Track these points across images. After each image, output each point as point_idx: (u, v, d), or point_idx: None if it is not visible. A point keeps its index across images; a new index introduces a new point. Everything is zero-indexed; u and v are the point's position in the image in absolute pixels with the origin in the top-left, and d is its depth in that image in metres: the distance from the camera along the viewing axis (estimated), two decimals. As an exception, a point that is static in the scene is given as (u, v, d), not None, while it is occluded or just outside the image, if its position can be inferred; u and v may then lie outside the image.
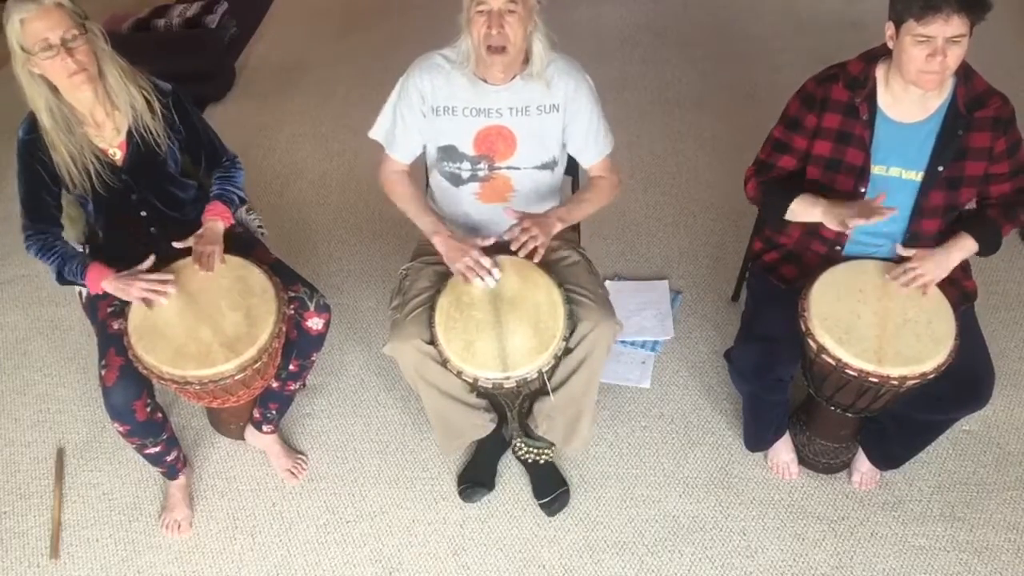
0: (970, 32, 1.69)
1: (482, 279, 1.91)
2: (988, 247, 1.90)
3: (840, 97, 1.89)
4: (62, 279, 1.95)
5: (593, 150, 2.06)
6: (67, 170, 1.89)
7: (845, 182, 1.92)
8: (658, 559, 2.14)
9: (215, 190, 2.07)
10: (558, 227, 1.96)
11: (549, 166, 2.06)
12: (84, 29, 1.78)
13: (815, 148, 1.94)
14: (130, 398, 1.92)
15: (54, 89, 1.82)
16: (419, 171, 2.19)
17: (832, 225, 1.86)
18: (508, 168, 2.03)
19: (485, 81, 1.95)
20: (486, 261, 1.91)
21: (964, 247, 1.89)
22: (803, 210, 1.92)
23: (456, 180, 2.06)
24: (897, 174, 1.90)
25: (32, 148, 1.89)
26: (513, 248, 1.90)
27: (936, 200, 1.89)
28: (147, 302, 1.88)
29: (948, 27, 1.66)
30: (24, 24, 1.73)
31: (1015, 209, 1.93)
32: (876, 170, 1.90)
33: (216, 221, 2.01)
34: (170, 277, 1.90)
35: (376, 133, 2.10)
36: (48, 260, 1.93)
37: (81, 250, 2.08)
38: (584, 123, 2.01)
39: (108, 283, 1.89)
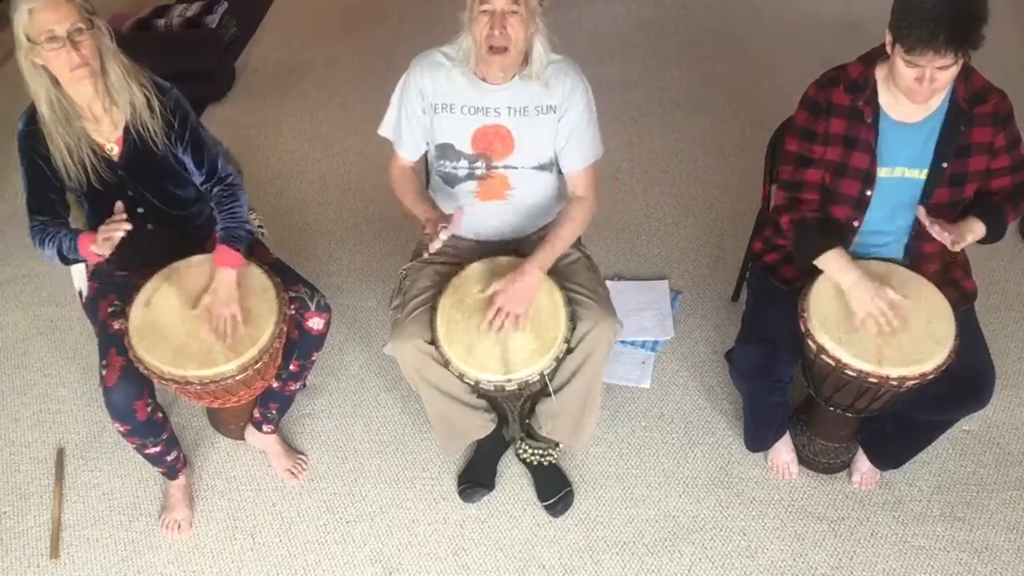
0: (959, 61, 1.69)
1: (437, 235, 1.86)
2: (994, 232, 1.89)
3: (842, 102, 1.89)
4: (64, 259, 1.94)
5: (575, 154, 2.01)
6: (63, 162, 1.88)
7: (851, 186, 1.91)
8: (658, 559, 2.14)
9: (220, 229, 2.01)
10: (540, 278, 1.93)
11: (547, 167, 2.05)
12: (91, 24, 1.78)
13: (827, 154, 1.92)
14: (131, 398, 1.92)
15: (55, 81, 1.82)
16: (422, 166, 2.20)
17: (852, 304, 1.83)
18: (506, 167, 2.03)
19: (484, 80, 1.95)
20: (443, 232, 1.85)
21: (974, 229, 1.88)
22: (834, 269, 1.88)
23: (452, 180, 2.05)
24: (901, 174, 1.90)
25: (31, 141, 1.89)
26: (490, 334, 1.87)
27: (942, 197, 1.88)
28: (110, 241, 1.80)
29: (937, 59, 1.66)
30: (32, 14, 1.73)
31: (1018, 199, 1.94)
32: (882, 172, 1.89)
33: (226, 271, 1.93)
34: (124, 217, 1.79)
35: (384, 130, 2.10)
36: (49, 247, 1.93)
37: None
38: (571, 122, 1.98)
39: (92, 248, 1.85)
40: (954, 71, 1.71)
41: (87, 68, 1.78)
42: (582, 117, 1.98)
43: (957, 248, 1.83)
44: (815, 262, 1.90)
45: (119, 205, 1.86)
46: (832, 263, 1.88)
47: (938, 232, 1.80)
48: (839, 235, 1.94)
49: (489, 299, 1.90)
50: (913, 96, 1.77)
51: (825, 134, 1.91)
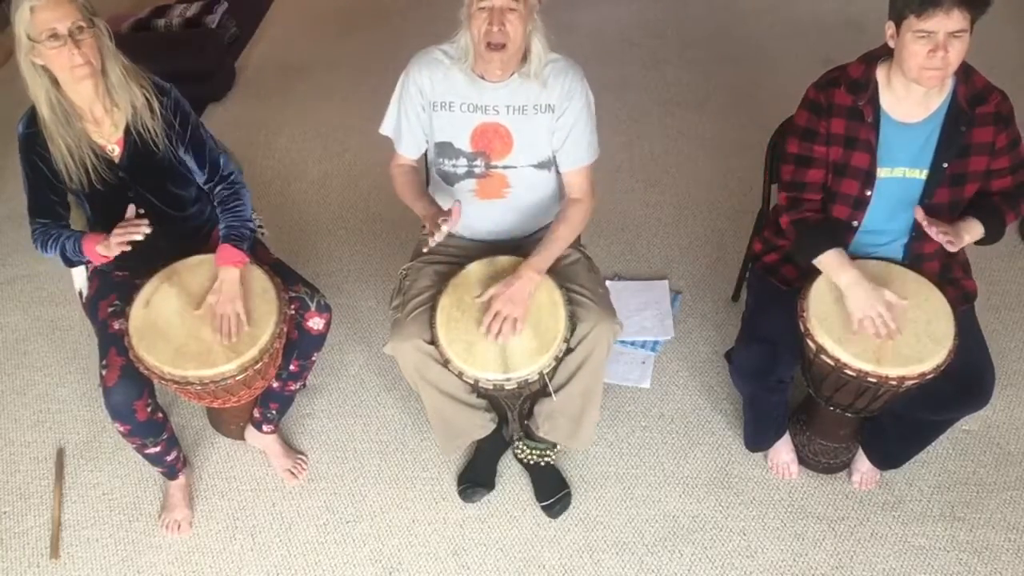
0: (971, 27, 1.69)
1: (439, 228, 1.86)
2: (993, 233, 1.90)
3: (843, 102, 1.89)
4: (68, 261, 1.94)
5: (571, 154, 2.01)
6: (64, 164, 1.88)
7: (851, 186, 1.91)
8: (658, 559, 2.14)
9: (222, 228, 2.01)
10: (537, 281, 1.93)
11: (546, 165, 2.05)
12: (92, 23, 1.78)
13: (829, 154, 1.92)
14: (131, 398, 1.92)
15: (55, 82, 1.82)
16: (423, 163, 2.19)
17: (849, 305, 1.84)
18: (505, 167, 2.03)
19: (483, 78, 1.95)
20: (444, 226, 1.85)
21: (972, 230, 1.88)
22: (832, 269, 1.88)
23: (451, 178, 2.06)
24: (902, 174, 1.90)
25: (31, 143, 1.89)
26: (487, 337, 1.88)
27: (942, 197, 1.88)
28: (124, 245, 1.80)
29: (949, 21, 1.66)
30: (34, 12, 1.73)
31: (1017, 200, 1.94)
32: (882, 172, 1.89)
33: (229, 270, 1.93)
34: (144, 221, 1.82)
35: (385, 128, 2.10)
36: (51, 250, 1.93)
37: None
38: (569, 123, 1.98)
39: (99, 248, 1.86)
40: (965, 42, 1.70)
41: (88, 67, 1.78)
42: (579, 118, 1.97)
43: (954, 249, 1.84)
44: (814, 262, 1.91)
45: (131, 209, 1.87)
46: (830, 263, 1.89)
47: (935, 233, 1.80)
48: (839, 235, 1.94)
49: (487, 304, 1.90)
50: (926, 78, 1.75)
51: (827, 134, 1.91)
